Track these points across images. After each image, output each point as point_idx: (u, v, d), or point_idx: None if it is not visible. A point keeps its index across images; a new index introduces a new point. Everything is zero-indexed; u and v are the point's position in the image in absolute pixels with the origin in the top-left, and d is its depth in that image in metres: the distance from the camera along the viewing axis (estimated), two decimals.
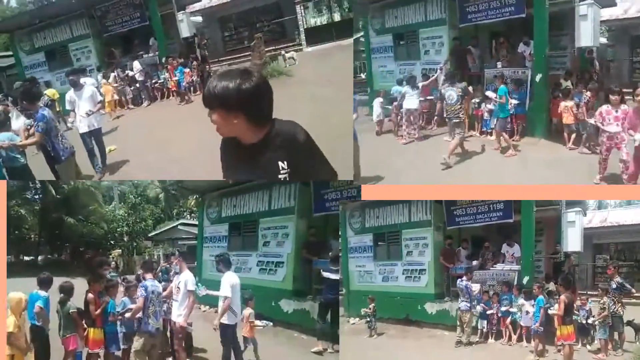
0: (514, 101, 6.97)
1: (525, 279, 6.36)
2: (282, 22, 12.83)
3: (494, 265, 6.95)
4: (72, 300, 4.65)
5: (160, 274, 7.25)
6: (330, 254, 5.73)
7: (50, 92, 9.11)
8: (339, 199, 6.56)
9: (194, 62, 9.88)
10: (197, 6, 12.93)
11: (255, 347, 4.99)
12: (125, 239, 17.68)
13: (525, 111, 7.26)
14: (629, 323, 5.55)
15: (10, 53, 11.93)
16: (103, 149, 6.28)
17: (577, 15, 6.66)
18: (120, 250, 17.10)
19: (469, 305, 6.15)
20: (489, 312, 6.36)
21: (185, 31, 10.23)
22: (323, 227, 6.90)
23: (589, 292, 6.47)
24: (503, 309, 6.26)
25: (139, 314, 4.37)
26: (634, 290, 5.63)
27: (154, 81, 10.03)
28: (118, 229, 17.57)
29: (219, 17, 13.70)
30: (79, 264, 14.26)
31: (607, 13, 8.73)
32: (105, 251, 15.84)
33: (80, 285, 4.88)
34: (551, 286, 5.96)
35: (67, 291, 4.62)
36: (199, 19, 13.62)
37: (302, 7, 12.20)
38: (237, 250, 7.73)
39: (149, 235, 17.56)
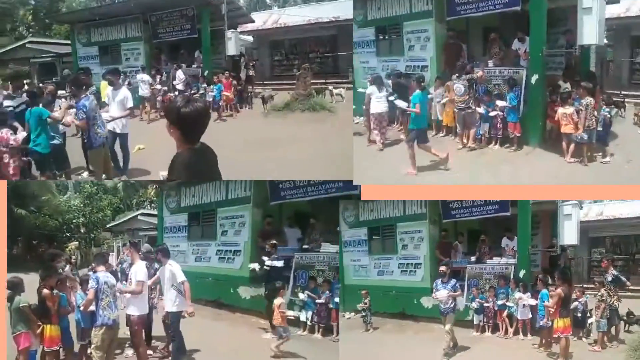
0: (502, 103, 6.56)
1: (522, 273, 6.39)
2: (337, 56, 12.76)
3: (491, 259, 6.92)
4: (25, 295, 4.28)
5: (120, 265, 6.81)
6: (269, 241, 5.95)
7: (104, 84, 8.96)
8: (293, 188, 6.69)
9: (234, 80, 10.09)
10: (249, 26, 13.14)
11: (287, 337, 4.95)
12: (82, 230, 16.79)
13: (518, 118, 6.60)
14: (629, 316, 5.67)
15: (69, 42, 12.98)
16: (127, 153, 6.47)
17: (580, 7, 5.94)
18: (77, 243, 16.04)
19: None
20: (485, 304, 6.34)
21: (232, 49, 10.47)
22: (278, 215, 7.20)
23: (584, 286, 6.61)
24: (500, 302, 6.25)
25: (93, 307, 4.25)
26: (628, 283, 5.80)
27: (193, 92, 9.99)
28: (74, 220, 16.63)
29: (271, 41, 14.00)
30: (32, 258, 13.45)
31: (608, 11, 7.63)
32: (60, 244, 14.77)
33: (35, 280, 4.50)
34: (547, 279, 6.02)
35: (14, 286, 4.36)
36: (250, 39, 13.69)
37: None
38: (196, 239, 7.71)
39: (108, 226, 16.75)
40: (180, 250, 7.77)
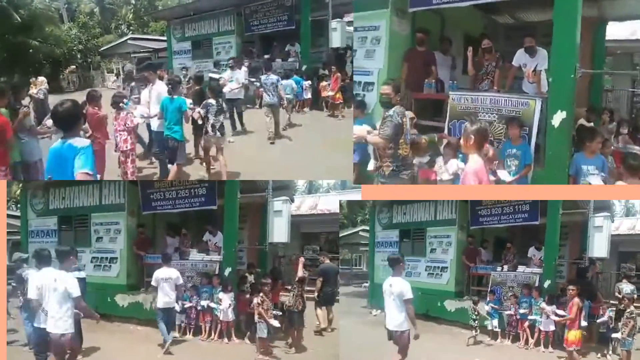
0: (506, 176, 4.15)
1: (547, 283, 6.44)
2: None
3: (515, 268, 6.99)
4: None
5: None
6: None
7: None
8: (163, 200, 6.69)
9: (336, 75, 9.02)
10: None
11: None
12: (78, 56, 20.60)
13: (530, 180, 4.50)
14: None
15: (164, 38, 13.99)
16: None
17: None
18: (74, 67, 19.61)
19: None
20: (507, 313, 6.48)
21: (336, 41, 9.01)
22: (152, 224, 7.40)
23: (611, 301, 6.60)
24: (522, 311, 6.32)
25: None
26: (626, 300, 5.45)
27: None
28: (74, 48, 19.92)
29: None
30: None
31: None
32: (64, 68, 18.23)
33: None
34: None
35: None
36: None
37: None
38: (69, 246, 7.34)
39: None
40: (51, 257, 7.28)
